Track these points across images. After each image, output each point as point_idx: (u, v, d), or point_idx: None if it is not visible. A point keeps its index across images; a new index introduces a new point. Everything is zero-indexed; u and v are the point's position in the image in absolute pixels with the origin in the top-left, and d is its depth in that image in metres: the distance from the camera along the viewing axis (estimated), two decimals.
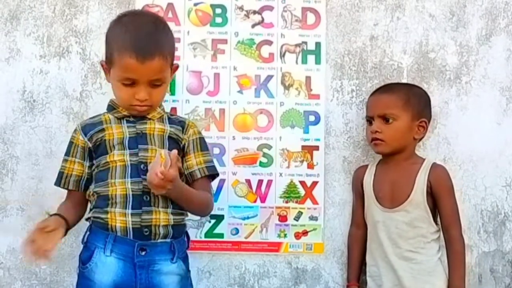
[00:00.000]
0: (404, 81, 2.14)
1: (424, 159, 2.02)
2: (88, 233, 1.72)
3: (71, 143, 1.79)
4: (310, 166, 2.13)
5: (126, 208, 1.67)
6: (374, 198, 2.00)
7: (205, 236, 2.10)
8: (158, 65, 1.69)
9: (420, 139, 2.07)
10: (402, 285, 1.91)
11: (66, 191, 1.80)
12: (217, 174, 1.87)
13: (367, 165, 2.08)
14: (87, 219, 1.76)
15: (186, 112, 2.12)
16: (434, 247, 1.95)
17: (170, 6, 2.15)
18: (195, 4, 2.16)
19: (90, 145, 1.75)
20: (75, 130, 1.80)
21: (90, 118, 1.84)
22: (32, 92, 2.11)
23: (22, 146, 2.10)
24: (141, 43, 1.67)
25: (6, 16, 2.13)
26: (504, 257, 2.14)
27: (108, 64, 1.75)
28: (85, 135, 1.76)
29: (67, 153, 1.79)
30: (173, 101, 2.12)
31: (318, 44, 2.16)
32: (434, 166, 1.99)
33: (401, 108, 1.97)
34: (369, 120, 2.03)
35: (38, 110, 2.11)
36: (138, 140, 1.74)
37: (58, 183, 1.79)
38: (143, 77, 1.69)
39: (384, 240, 1.96)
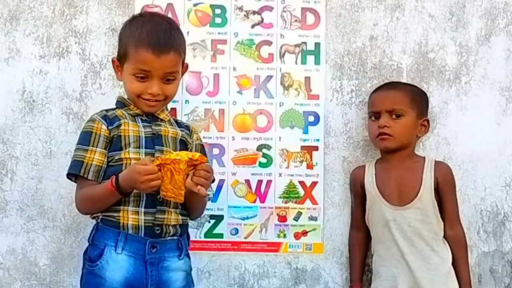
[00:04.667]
0: (403, 81, 2.14)
1: (424, 157, 2.04)
2: (95, 231, 1.72)
3: (89, 132, 1.74)
4: (310, 166, 2.13)
5: (139, 207, 1.70)
6: (380, 196, 1.99)
7: (205, 236, 2.10)
8: (172, 59, 1.74)
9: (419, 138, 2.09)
10: (419, 285, 1.90)
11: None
12: (213, 180, 1.89)
13: (364, 166, 2.08)
14: (93, 217, 1.75)
15: (186, 113, 2.12)
16: (446, 247, 1.96)
17: (170, 6, 2.15)
18: (195, 5, 2.16)
19: (110, 137, 1.75)
20: (92, 120, 1.76)
21: (104, 110, 1.81)
22: (31, 92, 2.11)
23: (22, 146, 2.10)
24: (158, 37, 1.72)
25: (6, 16, 2.13)
26: (503, 257, 2.14)
27: (121, 60, 1.77)
28: (107, 126, 1.75)
29: (86, 143, 1.73)
30: (173, 101, 2.10)
31: (317, 45, 2.16)
32: (438, 163, 2.01)
33: (408, 104, 2.00)
34: (375, 115, 2.03)
35: (38, 110, 2.11)
36: (154, 141, 1.77)
37: (77, 170, 1.71)
38: (157, 70, 1.73)
39: (399, 239, 1.94)
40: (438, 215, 1.97)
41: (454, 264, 1.96)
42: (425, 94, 2.10)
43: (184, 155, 1.62)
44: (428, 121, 2.05)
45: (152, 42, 1.71)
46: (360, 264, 2.05)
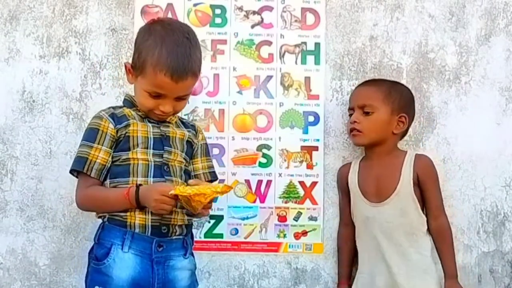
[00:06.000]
0: (403, 81, 2.14)
1: (406, 152, 2.03)
2: (101, 230, 1.73)
3: (95, 129, 1.73)
4: (310, 166, 2.13)
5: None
6: (360, 194, 2.00)
7: (205, 236, 2.10)
8: (190, 83, 1.74)
9: (403, 136, 2.08)
10: (395, 281, 1.90)
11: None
12: (217, 179, 1.92)
13: (350, 163, 2.09)
14: (99, 216, 1.75)
15: (186, 113, 2.12)
16: (427, 242, 1.95)
17: (170, 6, 2.15)
18: (195, 5, 2.16)
19: (116, 136, 1.75)
20: (100, 118, 1.75)
21: (111, 108, 1.80)
22: (31, 92, 2.11)
23: (22, 146, 2.10)
24: (178, 63, 1.68)
25: (6, 16, 2.13)
26: (503, 257, 2.14)
27: (137, 71, 1.74)
28: (114, 125, 1.74)
29: (91, 140, 1.73)
30: None
31: (317, 45, 2.17)
32: (418, 156, 2.00)
33: (381, 100, 1.99)
34: (350, 112, 2.05)
35: (38, 110, 2.11)
36: (163, 142, 1.77)
37: (81, 167, 1.71)
38: (173, 93, 1.72)
39: (377, 235, 1.95)
40: (419, 209, 1.95)
41: (439, 256, 1.95)
42: (408, 91, 2.07)
43: (208, 193, 1.62)
44: (406, 117, 2.01)
45: (171, 67, 1.67)
46: (347, 261, 2.05)
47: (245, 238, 2.11)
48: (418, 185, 1.96)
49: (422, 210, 1.97)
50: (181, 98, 1.76)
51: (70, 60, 2.13)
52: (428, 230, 1.97)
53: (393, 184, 1.95)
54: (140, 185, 1.69)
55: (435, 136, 2.16)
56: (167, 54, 1.68)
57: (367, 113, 1.99)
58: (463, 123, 2.16)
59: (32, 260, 2.07)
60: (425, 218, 1.96)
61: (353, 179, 2.04)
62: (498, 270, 2.13)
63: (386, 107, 1.99)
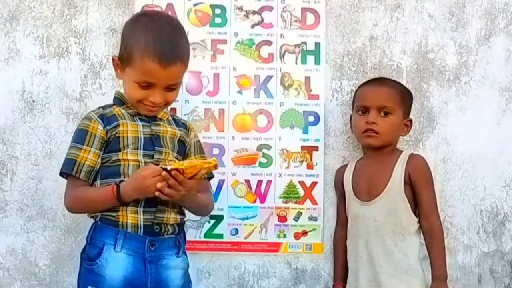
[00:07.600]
0: (403, 81, 2.14)
1: (402, 151, 2.02)
2: (93, 230, 1.73)
3: (84, 131, 1.73)
4: (310, 166, 2.13)
5: (138, 206, 1.70)
6: (353, 192, 2.00)
7: (205, 237, 2.10)
8: (178, 70, 1.73)
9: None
10: (378, 281, 1.90)
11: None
12: (213, 176, 1.94)
13: (347, 164, 2.09)
14: (92, 216, 1.75)
15: (186, 113, 2.12)
16: (415, 243, 1.94)
17: (170, 6, 2.15)
18: (195, 5, 2.16)
19: (106, 138, 1.74)
20: (89, 119, 1.75)
21: (101, 108, 1.80)
22: (31, 92, 2.11)
23: (22, 146, 2.10)
24: (165, 48, 1.69)
25: (6, 16, 2.13)
26: (503, 257, 2.14)
27: (124, 62, 1.74)
28: (104, 126, 1.74)
29: (80, 141, 1.73)
30: None
31: (317, 45, 2.17)
32: (412, 156, 1.99)
33: (398, 103, 1.99)
34: (362, 110, 2.01)
35: (38, 110, 2.11)
36: (154, 142, 1.76)
37: (70, 169, 1.72)
38: (162, 82, 1.71)
39: (363, 233, 1.95)
40: (410, 209, 1.94)
41: (429, 257, 1.93)
42: (411, 93, 2.09)
43: (199, 164, 1.65)
44: (411, 121, 2.04)
45: (158, 53, 1.67)
46: (342, 262, 2.04)
47: (245, 238, 2.11)
48: (410, 185, 1.95)
49: (415, 211, 1.96)
50: (171, 88, 1.74)
51: (70, 60, 2.13)
52: (419, 230, 1.96)
53: (384, 182, 1.95)
54: (121, 181, 1.68)
55: (435, 136, 2.16)
56: (154, 41, 1.69)
57: (386, 114, 1.97)
58: (463, 123, 2.16)
59: (32, 260, 2.07)
60: (416, 219, 1.95)
61: (348, 178, 2.04)
62: (498, 270, 2.14)
63: (400, 110, 2.00)
